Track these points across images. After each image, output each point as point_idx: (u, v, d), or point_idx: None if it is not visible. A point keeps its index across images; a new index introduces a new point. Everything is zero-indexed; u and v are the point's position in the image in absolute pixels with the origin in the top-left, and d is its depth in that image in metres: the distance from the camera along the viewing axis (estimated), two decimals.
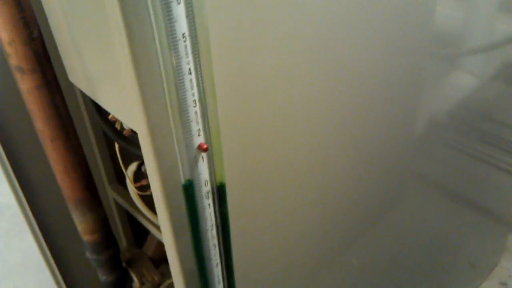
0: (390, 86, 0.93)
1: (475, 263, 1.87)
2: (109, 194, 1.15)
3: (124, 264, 1.10)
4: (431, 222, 1.43)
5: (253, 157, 0.71)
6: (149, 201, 0.99)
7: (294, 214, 0.87)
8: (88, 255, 1.03)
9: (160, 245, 1.14)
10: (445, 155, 1.29)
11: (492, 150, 1.46)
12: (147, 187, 0.95)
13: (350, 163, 0.96)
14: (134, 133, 0.89)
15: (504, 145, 1.47)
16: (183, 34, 0.52)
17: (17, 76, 0.80)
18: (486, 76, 1.26)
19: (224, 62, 0.59)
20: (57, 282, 1.29)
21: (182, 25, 0.51)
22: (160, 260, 1.16)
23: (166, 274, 1.13)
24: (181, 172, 0.60)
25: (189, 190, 0.61)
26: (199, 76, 0.55)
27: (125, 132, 0.89)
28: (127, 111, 0.63)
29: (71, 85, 0.95)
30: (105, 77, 0.69)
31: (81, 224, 0.98)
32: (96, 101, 0.81)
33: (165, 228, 0.66)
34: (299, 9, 0.66)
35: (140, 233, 1.26)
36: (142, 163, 0.95)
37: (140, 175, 0.96)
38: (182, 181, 0.61)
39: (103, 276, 1.06)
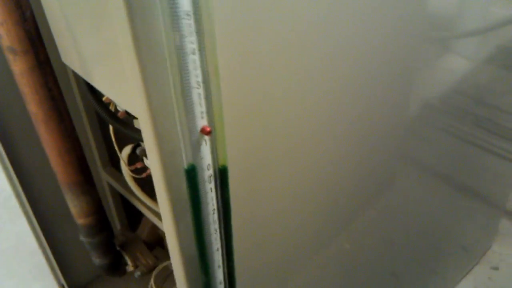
0: (385, 70, 0.93)
1: (468, 247, 1.89)
2: (102, 177, 1.14)
3: (118, 247, 1.09)
4: (424, 206, 1.43)
5: (254, 140, 0.70)
6: (143, 184, 0.98)
7: (293, 198, 0.86)
8: (82, 238, 1.02)
9: (154, 228, 1.14)
10: (439, 139, 1.29)
11: (486, 134, 1.46)
12: (141, 170, 0.94)
13: (346, 147, 0.95)
14: (128, 115, 0.87)
15: (498, 129, 1.48)
16: (187, 12, 0.50)
17: (10, 57, 0.79)
18: (480, 60, 1.26)
19: (228, 42, 0.57)
20: (51, 266, 1.29)
21: (186, 3, 0.50)
22: (154, 243, 1.15)
23: (160, 257, 1.13)
24: (183, 156, 0.59)
25: (192, 174, 0.60)
26: (203, 56, 0.53)
27: (119, 114, 0.88)
28: (126, 94, 0.62)
29: (63, 67, 0.93)
30: (102, 58, 0.68)
31: (75, 207, 0.97)
32: (91, 83, 0.79)
33: (165, 213, 0.65)
34: None
35: (133, 216, 1.25)
36: (136, 146, 0.93)
37: (134, 158, 0.94)
38: (185, 165, 0.59)
39: (97, 259, 1.06)
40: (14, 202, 1.13)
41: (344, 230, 1.12)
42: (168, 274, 1.15)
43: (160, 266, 1.11)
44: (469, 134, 1.40)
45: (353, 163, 1.00)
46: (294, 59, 0.69)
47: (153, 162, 0.60)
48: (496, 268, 1.91)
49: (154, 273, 1.11)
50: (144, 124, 0.57)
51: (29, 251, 1.23)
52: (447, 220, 1.63)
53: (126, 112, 0.86)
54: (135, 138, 0.84)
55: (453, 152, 1.38)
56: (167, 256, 1.11)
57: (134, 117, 0.84)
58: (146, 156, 0.90)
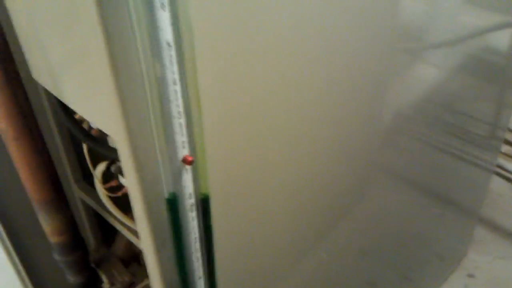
0: (356, 79, 0.93)
1: (443, 255, 1.90)
2: (75, 193, 1.11)
3: (93, 265, 1.07)
4: (398, 215, 1.43)
5: (236, 169, 0.68)
6: (118, 201, 0.96)
7: (274, 222, 0.85)
8: (56, 256, 1.00)
9: (129, 245, 1.11)
10: (411, 147, 1.29)
11: (458, 142, 1.47)
12: (116, 188, 0.91)
13: (318, 157, 0.95)
14: (102, 133, 0.85)
15: (469, 137, 1.49)
16: (167, 43, 0.48)
17: None
18: (450, 68, 1.26)
19: (209, 72, 0.55)
20: (24, 284, 1.25)
21: (167, 33, 0.48)
22: (130, 259, 1.12)
23: (137, 273, 1.10)
24: (164, 185, 0.57)
25: (173, 203, 0.58)
26: (185, 86, 0.52)
27: (93, 132, 0.86)
28: (105, 121, 0.59)
29: (34, 82, 0.90)
30: (76, 79, 0.65)
31: (48, 225, 0.95)
32: (65, 102, 0.76)
33: (146, 241, 0.63)
34: (281, 12, 0.63)
35: (108, 232, 1.22)
36: (111, 163, 0.91)
37: (109, 175, 0.92)
38: (166, 194, 0.57)
39: (72, 278, 1.03)
40: None
41: (320, 241, 1.12)
42: None
43: (140, 286, 1.09)
44: (441, 142, 1.41)
45: (326, 174, 1.00)
46: (275, 88, 0.68)
47: (133, 191, 0.58)
48: (472, 276, 1.93)
49: None
50: (123, 153, 0.55)
51: (1, 269, 1.19)
52: (422, 228, 1.64)
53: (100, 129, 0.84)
54: (109, 155, 0.82)
55: (426, 160, 1.39)
56: (143, 273, 1.09)
57: (108, 134, 0.82)
58: (121, 174, 0.87)
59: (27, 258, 1.24)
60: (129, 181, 0.58)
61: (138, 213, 0.60)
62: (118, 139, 0.54)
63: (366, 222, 1.28)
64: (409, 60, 1.10)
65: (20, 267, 1.21)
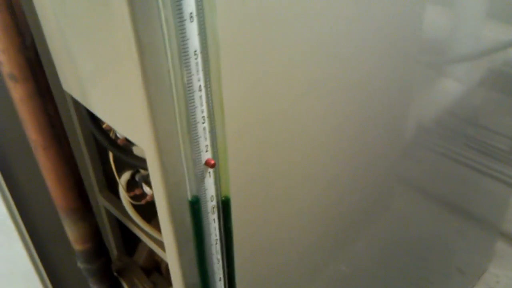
0: (380, 93, 0.94)
1: (464, 269, 1.89)
2: (100, 202, 1.14)
3: (115, 273, 1.09)
4: (419, 228, 1.44)
5: (257, 172, 0.71)
6: (141, 210, 0.99)
7: (293, 227, 0.87)
8: (79, 264, 1.02)
9: (151, 254, 1.14)
10: (433, 161, 1.30)
11: (481, 157, 1.47)
12: (140, 196, 0.94)
13: (342, 170, 0.96)
14: (128, 142, 0.88)
15: (491, 151, 1.49)
16: (194, 52, 0.51)
17: (10, 84, 0.79)
18: (472, 82, 1.27)
19: (233, 79, 0.58)
20: None
21: (194, 43, 0.51)
22: (151, 269, 1.15)
23: (158, 282, 1.13)
24: (188, 188, 0.60)
25: (196, 206, 0.61)
26: (209, 93, 0.55)
27: (119, 141, 0.89)
28: (133, 129, 0.62)
29: (62, 93, 0.93)
30: (106, 88, 0.68)
31: (73, 233, 0.97)
32: (93, 112, 0.80)
33: (169, 242, 0.66)
34: (305, 26, 0.66)
35: (130, 241, 1.25)
36: (135, 172, 0.94)
37: (133, 184, 0.95)
38: (189, 197, 0.60)
39: (94, 286, 1.05)
40: (10, 225, 1.13)
41: (340, 253, 1.13)
42: None
43: None
44: (463, 156, 1.42)
45: (348, 186, 1.01)
46: (297, 97, 0.70)
47: (158, 194, 0.61)
48: None
49: None
50: (150, 157, 0.58)
51: (24, 276, 1.22)
52: (443, 242, 1.64)
53: (126, 139, 0.87)
54: (134, 164, 0.85)
55: (448, 174, 1.40)
56: (164, 282, 1.11)
57: (134, 144, 0.85)
58: (145, 183, 0.90)
59: (51, 267, 1.27)
60: (155, 184, 0.60)
61: (162, 215, 0.63)
62: (146, 144, 0.57)
63: (386, 234, 1.28)
64: (431, 73, 1.11)
65: (45, 276, 1.24)
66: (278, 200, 0.79)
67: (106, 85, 0.68)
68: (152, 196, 0.81)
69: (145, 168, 0.82)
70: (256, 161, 0.69)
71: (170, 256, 0.68)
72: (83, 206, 0.95)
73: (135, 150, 0.87)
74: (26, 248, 1.18)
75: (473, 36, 1.18)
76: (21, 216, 1.14)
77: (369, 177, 1.09)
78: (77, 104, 0.95)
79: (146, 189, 0.90)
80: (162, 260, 1.13)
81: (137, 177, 0.93)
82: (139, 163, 0.84)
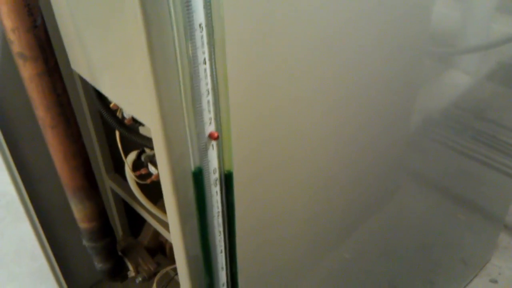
0: (387, 84, 0.95)
1: (467, 260, 1.90)
2: (106, 183, 1.16)
3: (120, 253, 1.11)
4: (423, 219, 1.44)
5: (259, 146, 0.72)
6: (146, 191, 1.00)
7: (296, 204, 0.88)
8: (85, 243, 1.04)
9: (156, 235, 1.15)
10: (439, 153, 1.30)
11: (486, 149, 1.48)
12: (146, 176, 0.96)
13: (348, 159, 0.97)
14: (135, 122, 0.90)
15: (497, 144, 1.49)
16: (200, 24, 0.53)
17: (19, 63, 0.80)
18: (481, 75, 1.27)
19: (237, 52, 0.60)
20: (53, 270, 1.30)
21: (199, 15, 0.52)
22: (156, 249, 1.16)
23: (162, 263, 1.14)
24: (191, 160, 0.61)
25: (199, 177, 0.62)
26: (213, 66, 0.56)
27: (126, 121, 0.90)
28: (137, 100, 0.64)
29: (71, 73, 0.95)
30: (112, 65, 0.70)
31: (79, 212, 0.99)
32: (99, 90, 0.81)
33: (172, 214, 0.67)
34: (310, 6, 0.67)
35: (135, 222, 1.27)
36: (141, 152, 0.96)
37: (139, 164, 0.96)
38: (192, 168, 0.62)
39: (99, 264, 1.07)
40: (17, 204, 1.14)
41: (344, 240, 1.14)
42: (169, 280, 1.16)
43: (163, 271, 1.12)
44: (469, 149, 1.42)
45: (354, 174, 1.02)
46: (300, 71, 0.71)
47: (161, 165, 0.63)
48: (495, 281, 1.92)
49: (156, 279, 1.12)
50: (155, 129, 0.60)
51: (31, 255, 1.24)
52: (447, 233, 1.64)
53: (133, 119, 0.89)
54: (141, 144, 0.86)
55: (453, 166, 1.40)
56: (168, 263, 1.13)
57: (140, 124, 0.87)
58: (151, 163, 0.92)
59: (57, 245, 1.29)
60: (159, 156, 0.62)
61: (166, 187, 0.64)
62: (151, 117, 0.59)
63: (391, 224, 1.29)
64: (440, 65, 1.11)
65: (51, 255, 1.26)
66: (281, 177, 0.80)
67: (113, 63, 0.69)
68: (158, 176, 0.82)
69: (151, 148, 0.84)
70: (260, 136, 0.71)
71: (173, 228, 0.69)
72: (89, 185, 0.97)
73: (142, 130, 0.89)
74: (33, 227, 1.20)
75: (482, 29, 1.18)
76: (29, 195, 1.16)
77: (375, 167, 1.09)
78: (85, 84, 0.97)
79: (151, 168, 0.92)
80: (166, 241, 1.14)
81: (143, 157, 0.94)
82: (145, 142, 0.86)
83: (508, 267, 1.97)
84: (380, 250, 1.33)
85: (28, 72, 0.81)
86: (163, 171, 0.63)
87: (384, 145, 1.07)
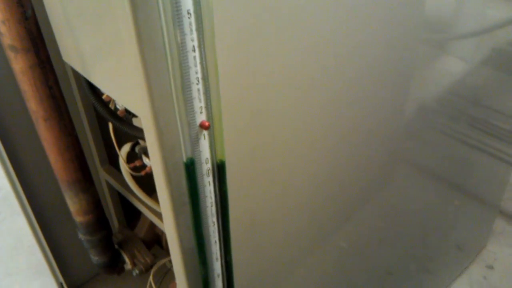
0: (382, 72, 0.94)
1: (462, 246, 1.90)
2: (101, 175, 1.15)
3: (116, 246, 1.10)
4: (420, 205, 1.44)
5: (251, 135, 0.71)
6: (142, 183, 1.00)
7: (290, 193, 0.88)
8: (81, 236, 1.03)
9: (152, 227, 1.15)
10: (434, 139, 1.30)
11: (481, 135, 1.47)
12: (140, 168, 0.95)
13: (342, 145, 0.96)
14: (128, 113, 0.89)
15: (492, 130, 1.49)
16: (188, 11, 0.52)
17: (11, 55, 0.80)
18: (476, 61, 1.27)
19: (227, 40, 0.59)
20: (49, 263, 1.29)
21: (187, 2, 0.51)
22: (152, 241, 1.16)
23: (158, 255, 1.14)
24: (182, 150, 0.61)
25: (191, 168, 0.62)
26: (203, 53, 0.55)
27: (119, 112, 0.89)
28: (127, 90, 0.63)
29: (63, 65, 0.94)
30: (102, 55, 0.69)
31: (74, 205, 0.98)
32: (91, 81, 0.81)
33: (165, 206, 0.67)
34: None
35: (131, 215, 1.26)
36: (135, 144, 0.95)
37: (133, 156, 0.96)
38: (184, 159, 0.61)
39: (95, 257, 1.07)
40: (12, 199, 1.14)
41: (340, 228, 1.14)
42: (166, 272, 1.16)
43: (159, 263, 1.12)
44: (464, 135, 1.42)
45: (349, 161, 1.02)
46: (293, 58, 0.70)
47: (153, 156, 0.62)
48: (491, 267, 1.93)
49: (153, 271, 1.12)
50: (145, 118, 0.59)
51: (28, 249, 1.23)
52: (442, 219, 1.65)
53: (126, 110, 0.88)
54: (134, 136, 0.86)
55: (448, 152, 1.40)
56: (165, 255, 1.13)
57: (134, 115, 0.86)
58: (145, 154, 0.91)
59: (53, 239, 1.28)
60: (150, 147, 0.61)
61: (159, 178, 0.64)
62: (141, 107, 0.58)
63: (386, 211, 1.29)
64: (435, 51, 1.11)
65: (47, 249, 1.25)
66: (275, 164, 0.80)
67: (104, 53, 0.69)
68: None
69: (145, 139, 0.83)
70: (252, 124, 0.70)
71: (166, 219, 0.69)
72: (84, 178, 0.96)
73: (135, 122, 0.88)
74: (29, 221, 1.19)
75: (476, 14, 1.18)
76: (24, 190, 1.16)
77: (370, 153, 1.09)
78: (77, 75, 0.96)
79: (145, 160, 0.91)
80: (162, 233, 1.14)
81: (136, 149, 0.94)
82: (138, 134, 0.85)
83: (504, 252, 1.98)
84: (376, 238, 1.33)
85: (19, 65, 0.81)
86: (155, 162, 0.62)
87: (379, 133, 1.06)
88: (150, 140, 0.61)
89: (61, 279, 1.35)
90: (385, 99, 1.02)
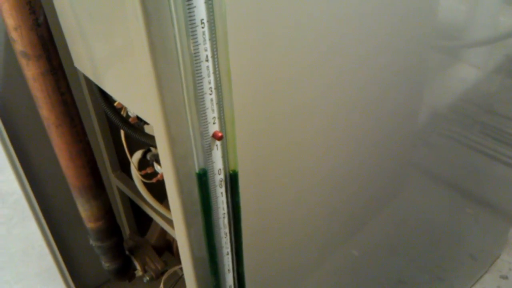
0: (394, 78, 0.93)
1: (476, 256, 1.88)
2: (112, 182, 1.15)
3: (127, 252, 1.10)
4: (433, 214, 1.43)
5: (265, 146, 0.70)
6: (153, 189, 0.99)
7: (302, 204, 0.87)
8: (92, 242, 1.03)
9: (163, 233, 1.14)
10: (448, 147, 1.29)
11: (494, 143, 1.46)
12: (152, 175, 0.95)
13: (355, 154, 0.96)
14: (140, 120, 0.88)
15: (506, 138, 1.47)
16: (201, 20, 0.51)
17: (23, 62, 0.80)
18: (488, 69, 1.26)
19: (241, 50, 0.58)
20: (60, 269, 1.29)
21: (201, 11, 0.51)
22: (163, 248, 1.16)
23: (169, 262, 1.13)
24: (195, 160, 0.60)
25: (203, 178, 0.61)
26: (216, 63, 0.54)
27: (130, 120, 0.89)
28: (140, 99, 0.63)
29: (75, 72, 0.94)
30: (115, 63, 0.69)
31: (85, 211, 0.98)
32: (103, 88, 0.80)
33: (177, 216, 0.66)
34: (316, 1, 0.65)
35: (143, 221, 1.26)
36: (147, 151, 0.95)
37: (145, 163, 0.95)
38: (196, 169, 0.60)
39: (106, 264, 1.06)
40: (24, 204, 1.14)
41: (352, 236, 1.12)
42: (177, 280, 1.15)
43: (170, 271, 1.11)
44: (477, 143, 1.40)
45: (361, 169, 1.01)
46: (306, 66, 0.70)
47: (165, 166, 0.61)
48: (505, 277, 1.90)
49: (164, 278, 1.11)
50: (157, 128, 0.58)
51: (38, 254, 1.23)
52: (456, 229, 1.63)
53: (138, 118, 0.87)
54: (146, 143, 0.85)
55: (462, 160, 1.38)
56: (176, 262, 1.12)
57: (145, 123, 0.85)
58: (156, 161, 0.91)
59: (64, 245, 1.28)
60: (162, 156, 0.60)
61: (170, 188, 0.63)
62: (153, 116, 0.57)
63: (399, 219, 1.28)
64: (448, 58, 1.10)
65: (58, 254, 1.25)
66: (288, 176, 0.79)
67: (116, 61, 0.68)
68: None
69: (156, 147, 0.82)
70: (265, 135, 0.69)
71: (178, 229, 0.68)
72: (95, 184, 0.96)
73: (146, 129, 0.88)
74: (40, 227, 1.19)
75: (490, 21, 1.17)
76: (35, 195, 1.16)
77: (383, 163, 1.08)
78: (89, 82, 0.96)
79: (157, 167, 0.91)
80: (173, 240, 1.13)
81: (148, 156, 0.93)
82: (149, 141, 0.84)
83: None
84: (388, 246, 1.32)
85: (31, 71, 0.81)
86: (167, 172, 0.62)
87: (391, 140, 1.06)
88: (162, 149, 0.60)
89: (72, 285, 1.35)
90: (398, 106, 1.01)
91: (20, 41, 0.77)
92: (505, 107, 1.44)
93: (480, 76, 1.25)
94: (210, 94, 0.56)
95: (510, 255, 1.98)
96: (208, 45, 0.53)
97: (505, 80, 1.35)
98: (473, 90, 1.24)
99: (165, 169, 0.62)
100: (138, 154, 0.95)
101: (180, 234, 0.69)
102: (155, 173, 0.92)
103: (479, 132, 1.38)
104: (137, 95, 0.64)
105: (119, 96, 0.76)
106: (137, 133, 0.85)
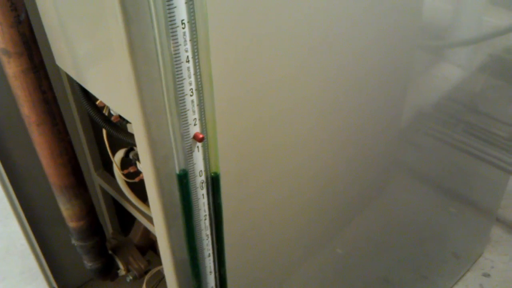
0: (378, 77, 0.93)
1: (459, 254, 1.90)
2: (95, 180, 1.14)
3: (110, 251, 1.09)
4: (416, 212, 1.44)
5: (246, 147, 0.70)
6: (136, 188, 0.98)
7: (285, 205, 0.87)
8: (74, 242, 1.02)
9: (146, 232, 1.14)
10: (431, 146, 1.30)
11: (478, 142, 1.47)
12: (134, 174, 0.94)
13: (338, 153, 0.96)
14: (122, 119, 0.87)
15: (490, 137, 1.48)
16: (182, 21, 0.51)
17: (3, 59, 0.79)
18: (473, 68, 1.27)
19: (222, 50, 0.58)
20: (42, 269, 1.28)
21: (181, 12, 0.50)
22: (146, 247, 1.15)
23: (153, 261, 1.13)
24: (175, 162, 0.59)
25: (184, 180, 0.60)
26: (197, 64, 0.54)
27: (113, 118, 0.88)
28: (120, 98, 0.62)
29: (57, 70, 0.93)
30: (96, 62, 0.68)
31: (67, 210, 0.97)
32: (85, 87, 0.79)
33: (157, 217, 0.65)
34: (300, 1, 0.65)
35: (126, 220, 1.25)
36: (129, 150, 0.94)
37: (127, 161, 0.95)
38: (177, 170, 0.60)
39: (88, 263, 1.06)
40: (5, 203, 1.13)
41: (336, 236, 1.13)
42: (160, 279, 1.15)
43: (153, 271, 1.11)
44: (461, 142, 1.41)
45: (345, 168, 1.01)
46: (289, 68, 0.69)
47: (145, 167, 0.61)
48: (487, 275, 1.92)
49: (147, 277, 1.11)
50: (137, 129, 0.58)
51: (20, 253, 1.22)
52: (439, 227, 1.64)
53: (120, 116, 0.87)
54: (128, 142, 0.85)
55: (445, 159, 1.39)
56: (159, 261, 1.10)
57: (128, 122, 0.84)
58: (139, 160, 0.90)
59: (46, 244, 1.27)
60: (142, 157, 0.60)
61: (150, 189, 0.62)
62: (133, 116, 0.57)
63: (383, 218, 1.28)
64: (432, 58, 1.10)
65: (40, 254, 1.24)
66: (271, 177, 0.78)
67: (97, 59, 0.67)
68: None
69: None
70: (247, 136, 0.69)
71: (159, 231, 0.68)
72: (77, 183, 0.95)
73: (129, 128, 0.87)
74: (21, 226, 1.18)
75: (474, 21, 1.17)
76: (16, 194, 1.14)
77: (367, 160, 1.08)
78: (71, 80, 0.95)
79: (139, 166, 0.90)
80: (157, 238, 1.13)
81: (131, 155, 0.92)
82: (132, 140, 0.84)
83: (501, 260, 1.97)
84: (372, 245, 1.32)
85: (12, 69, 0.79)
86: (147, 173, 0.61)
87: (375, 139, 1.06)
88: (142, 150, 0.60)
89: (54, 284, 1.34)
90: (382, 105, 1.01)
91: (1, 39, 0.76)
92: (489, 107, 1.45)
93: (465, 75, 1.25)
94: (191, 96, 0.55)
95: (492, 253, 2.00)
96: (189, 46, 0.52)
97: (489, 79, 1.36)
98: (457, 89, 1.24)
99: (145, 170, 0.61)
100: (120, 153, 0.94)
101: (160, 236, 0.68)
102: (137, 172, 0.92)
103: (463, 131, 1.39)
104: (117, 94, 0.64)
105: (101, 94, 0.75)
106: (119, 132, 0.84)
